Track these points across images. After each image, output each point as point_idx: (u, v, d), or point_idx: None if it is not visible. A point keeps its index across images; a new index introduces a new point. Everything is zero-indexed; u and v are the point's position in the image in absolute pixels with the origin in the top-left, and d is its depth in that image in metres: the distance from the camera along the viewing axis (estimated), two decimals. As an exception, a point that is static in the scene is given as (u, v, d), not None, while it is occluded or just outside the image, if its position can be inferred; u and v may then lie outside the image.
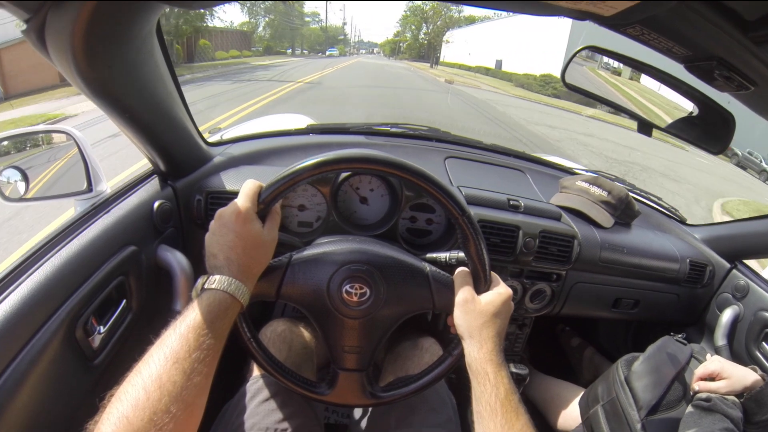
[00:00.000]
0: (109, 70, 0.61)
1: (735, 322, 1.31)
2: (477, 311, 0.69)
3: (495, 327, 0.68)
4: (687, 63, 0.57)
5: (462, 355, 0.71)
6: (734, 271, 1.39)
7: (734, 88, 0.57)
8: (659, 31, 0.52)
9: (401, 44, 74.93)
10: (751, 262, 1.43)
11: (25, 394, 0.57)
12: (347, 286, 0.71)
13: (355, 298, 0.71)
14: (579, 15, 0.53)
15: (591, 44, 0.85)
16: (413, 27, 65.98)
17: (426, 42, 60.55)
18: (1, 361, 0.54)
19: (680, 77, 0.82)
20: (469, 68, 40.72)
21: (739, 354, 1.29)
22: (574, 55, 0.86)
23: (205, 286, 0.60)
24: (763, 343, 1.24)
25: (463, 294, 0.71)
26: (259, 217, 0.67)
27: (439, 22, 54.45)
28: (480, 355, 0.66)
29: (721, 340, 1.29)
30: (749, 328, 1.27)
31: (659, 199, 1.66)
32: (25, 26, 0.52)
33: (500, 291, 0.71)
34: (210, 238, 0.66)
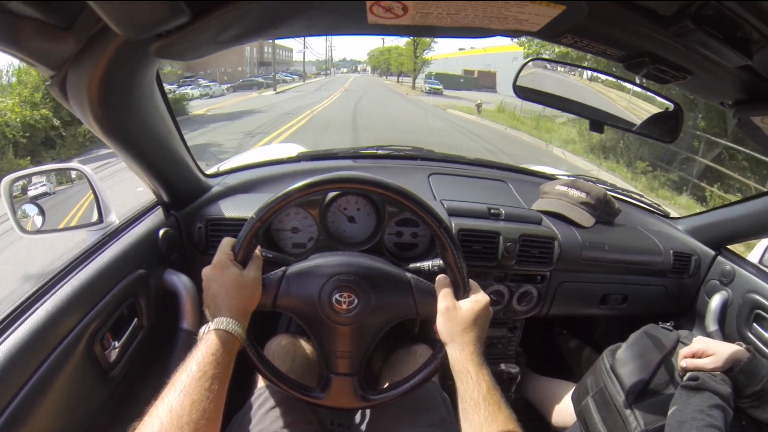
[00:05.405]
0: (118, 114, 0.72)
1: (725, 306, 1.33)
2: (458, 318, 0.75)
3: (475, 331, 0.75)
4: (624, 62, 0.63)
5: (446, 358, 0.76)
6: (719, 257, 1.41)
7: (673, 78, 0.62)
8: (589, 37, 0.58)
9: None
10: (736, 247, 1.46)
11: (48, 400, 0.65)
12: (337, 295, 0.77)
13: (344, 306, 0.77)
14: (512, 33, 0.60)
15: (536, 56, 0.93)
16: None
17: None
18: (27, 370, 0.63)
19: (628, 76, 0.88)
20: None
21: (731, 338, 1.30)
22: (522, 67, 0.95)
23: (205, 331, 0.69)
24: (754, 324, 1.26)
25: (445, 302, 0.77)
26: (240, 263, 0.76)
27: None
28: (462, 356, 0.72)
29: (712, 325, 1.31)
30: (739, 311, 1.30)
31: (641, 195, 1.71)
32: (50, 81, 0.63)
33: (478, 298, 0.78)
34: (203, 295, 0.75)
